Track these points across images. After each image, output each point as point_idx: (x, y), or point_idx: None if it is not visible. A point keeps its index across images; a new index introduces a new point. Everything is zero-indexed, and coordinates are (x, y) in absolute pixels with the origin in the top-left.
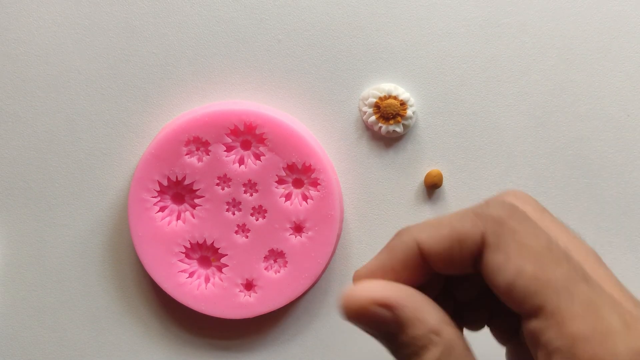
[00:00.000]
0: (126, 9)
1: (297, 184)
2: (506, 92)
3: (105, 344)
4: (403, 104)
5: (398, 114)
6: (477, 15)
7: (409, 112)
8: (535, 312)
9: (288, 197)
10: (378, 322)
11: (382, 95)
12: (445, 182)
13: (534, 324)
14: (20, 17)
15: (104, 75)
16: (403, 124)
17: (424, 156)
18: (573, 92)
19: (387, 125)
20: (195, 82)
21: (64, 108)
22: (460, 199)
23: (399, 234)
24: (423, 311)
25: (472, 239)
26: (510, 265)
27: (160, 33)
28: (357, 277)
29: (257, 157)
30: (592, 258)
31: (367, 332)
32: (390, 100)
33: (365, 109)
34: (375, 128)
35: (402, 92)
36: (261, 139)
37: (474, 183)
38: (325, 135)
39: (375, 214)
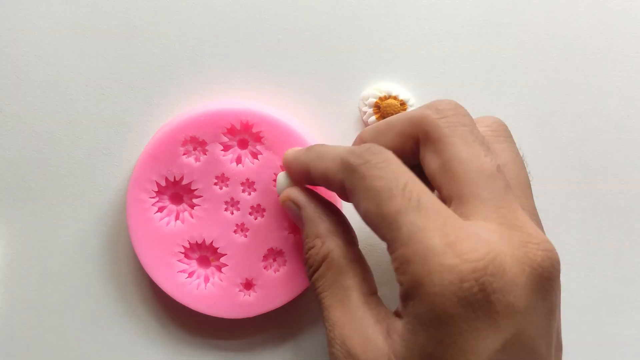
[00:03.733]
0: (126, 9)
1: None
2: (506, 92)
3: (105, 344)
4: (403, 104)
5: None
6: (477, 15)
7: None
8: (383, 239)
9: None
10: (291, 212)
11: (382, 95)
12: None
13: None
14: (20, 17)
15: (104, 75)
16: None
17: None
18: (573, 92)
19: None
20: (195, 82)
21: (64, 108)
22: None
23: (303, 154)
24: (317, 219)
25: (336, 181)
26: (361, 205)
27: (160, 33)
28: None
29: (255, 155)
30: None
31: (293, 219)
32: (390, 100)
33: (365, 109)
34: None
35: (402, 92)
36: (258, 138)
37: None
38: (325, 135)
39: None
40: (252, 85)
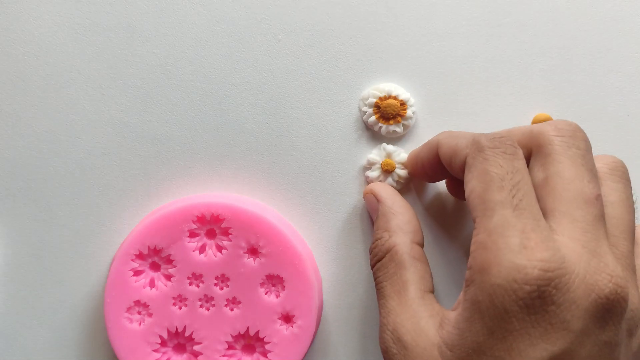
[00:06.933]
0: (126, 9)
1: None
2: (506, 92)
3: (105, 344)
4: (403, 104)
5: (398, 114)
6: (477, 15)
7: (409, 112)
8: (473, 220)
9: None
10: (370, 204)
11: (382, 95)
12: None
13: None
14: (20, 17)
15: (104, 75)
16: (403, 124)
17: None
18: (573, 92)
19: (387, 125)
20: (195, 81)
21: (64, 108)
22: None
23: (438, 134)
24: (391, 213)
25: (461, 155)
26: (470, 182)
27: (160, 33)
28: (406, 162)
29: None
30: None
31: (369, 211)
32: (390, 100)
33: (365, 109)
34: (375, 128)
35: (402, 92)
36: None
37: None
38: (325, 135)
39: None
40: (251, 86)
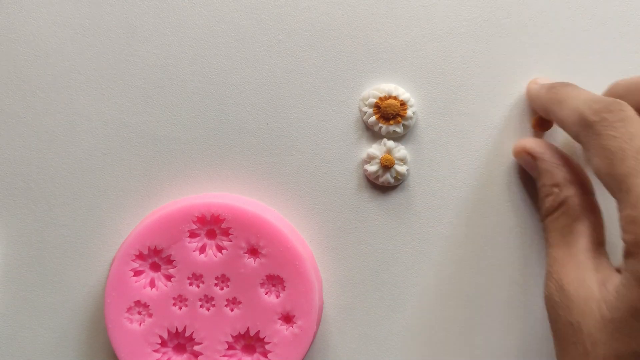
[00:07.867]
0: (126, 9)
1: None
2: (506, 92)
3: (105, 344)
4: (403, 104)
5: (398, 114)
6: (477, 15)
7: (409, 112)
8: (613, 197)
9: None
10: (526, 163)
11: (382, 95)
12: (444, 183)
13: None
14: (20, 17)
15: (104, 75)
16: (403, 124)
17: (424, 156)
18: None
19: (387, 126)
20: (195, 82)
21: (64, 108)
22: (460, 199)
23: (540, 90)
24: (554, 169)
25: (571, 132)
26: (593, 162)
27: (160, 33)
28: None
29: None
30: None
31: (527, 169)
32: (391, 101)
33: (365, 109)
34: (376, 128)
35: (402, 93)
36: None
37: (474, 184)
38: (325, 135)
39: (376, 214)
40: (251, 86)
